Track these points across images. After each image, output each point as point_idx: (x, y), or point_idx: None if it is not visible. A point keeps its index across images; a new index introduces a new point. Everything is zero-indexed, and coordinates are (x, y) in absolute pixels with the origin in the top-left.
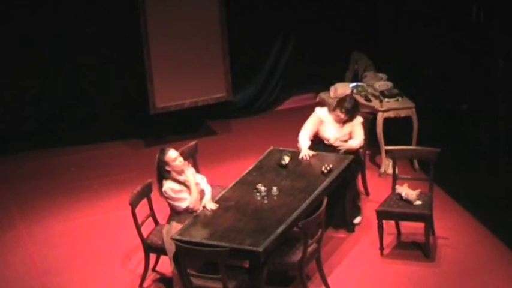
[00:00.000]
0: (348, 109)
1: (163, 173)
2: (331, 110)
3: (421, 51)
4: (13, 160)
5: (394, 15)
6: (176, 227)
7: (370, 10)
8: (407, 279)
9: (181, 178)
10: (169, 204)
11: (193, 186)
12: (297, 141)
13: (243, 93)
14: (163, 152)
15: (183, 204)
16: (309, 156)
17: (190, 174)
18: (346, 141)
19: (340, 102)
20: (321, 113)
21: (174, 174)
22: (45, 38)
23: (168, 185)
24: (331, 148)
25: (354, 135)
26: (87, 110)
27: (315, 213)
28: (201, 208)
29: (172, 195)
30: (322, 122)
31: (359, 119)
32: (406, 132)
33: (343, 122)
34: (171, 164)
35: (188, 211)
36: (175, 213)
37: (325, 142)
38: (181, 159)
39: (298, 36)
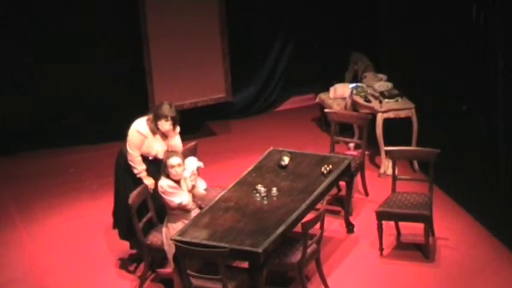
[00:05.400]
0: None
1: (164, 169)
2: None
3: (421, 52)
4: (13, 160)
5: (394, 16)
6: (173, 227)
7: (370, 10)
8: (407, 279)
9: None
10: (163, 200)
11: (184, 186)
12: (297, 142)
13: (243, 93)
14: (168, 155)
15: (176, 199)
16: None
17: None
18: None
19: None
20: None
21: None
22: (45, 38)
23: (165, 181)
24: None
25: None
26: (87, 110)
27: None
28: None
29: (167, 189)
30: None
31: None
32: (405, 133)
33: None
34: (169, 169)
35: (180, 208)
36: (171, 214)
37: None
38: (178, 169)
39: (298, 36)
